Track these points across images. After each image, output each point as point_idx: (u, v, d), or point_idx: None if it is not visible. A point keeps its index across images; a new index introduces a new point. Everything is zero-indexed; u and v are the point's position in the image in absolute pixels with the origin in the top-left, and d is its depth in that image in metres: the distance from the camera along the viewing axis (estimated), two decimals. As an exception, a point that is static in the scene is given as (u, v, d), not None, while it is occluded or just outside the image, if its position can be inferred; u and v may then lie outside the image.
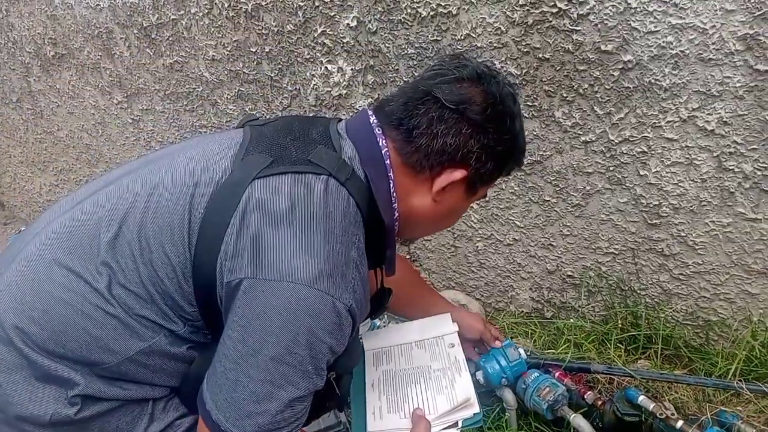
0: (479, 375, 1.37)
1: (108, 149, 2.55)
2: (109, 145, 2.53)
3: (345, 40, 1.63)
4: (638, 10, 1.23)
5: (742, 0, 1.14)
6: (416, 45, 1.53)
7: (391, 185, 0.88)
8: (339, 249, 0.78)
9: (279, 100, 1.89)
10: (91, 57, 2.25)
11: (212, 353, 0.80)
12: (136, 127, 2.37)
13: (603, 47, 1.30)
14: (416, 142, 0.86)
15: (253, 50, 1.82)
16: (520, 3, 1.34)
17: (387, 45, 1.57)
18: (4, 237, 3.18)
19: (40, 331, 0.80)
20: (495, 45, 1.43)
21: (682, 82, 1.27)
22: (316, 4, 1.61)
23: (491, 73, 0.90)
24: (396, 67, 1.60)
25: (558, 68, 1.38)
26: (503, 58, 1.44)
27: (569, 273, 1.70)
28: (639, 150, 1.40)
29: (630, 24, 1.25)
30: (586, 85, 1.37)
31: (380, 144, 0.88)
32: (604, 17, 1.27)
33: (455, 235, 1.84)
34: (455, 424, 1.08)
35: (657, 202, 1.44)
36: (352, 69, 1.68)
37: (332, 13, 1.60)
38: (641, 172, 1.42)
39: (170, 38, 1.97)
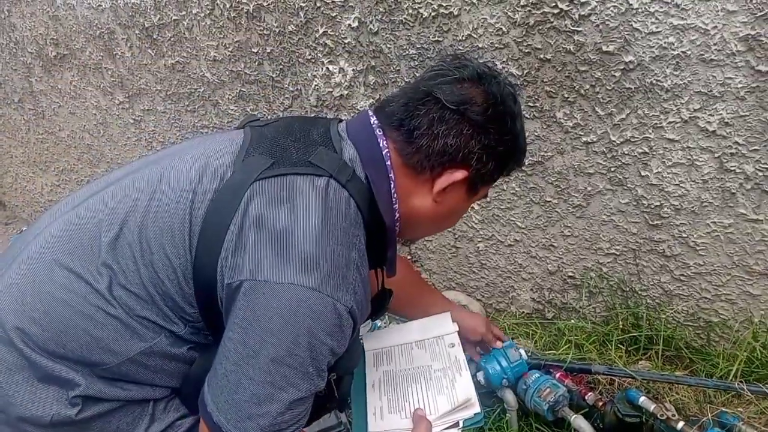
0: (480, 376, 1.37)
1: (109, 149, 2.55)
2: (110, 146, 2.54)
3: (346, 41, 1.63)
4: (640, 10, 1.23)
5: (743, 1, 1.14)
6: (417, 46, 1.53)
7: (392, 186, 0.88)
8: (339, 250, 0.78)
9: (280, 100, 1.89)
10: (93, 57, 2.25)
11: (213, 354, 0.80)
12: (137, 127, 2.37)
13: (604, 48, 1.30)
14: (417, 142, 0.86)
15: (255, 51, 1.82)
16: (522, 3, 1.34)
17: (388, 45, 1.57)
18: (6, 237, 3.18)
19: (41, 332, 0.80)
20: (496, 46, 1.43)
21: (684, 83, 1.27)
22: (318, 4, 1.61)
23: (492, 73, 0.90)
24: (397, 68, 1.60)
25: (559, 69, 1.38)
26: (504, 59, 1.44)
27: (570, 274, 1.70)
28: (640, 151, 1.39)
29: (631, 25, 1.25)
30: (588, 86, 1.37)
31: (381, 145, 0.88)
32: (606, 18, 1.27)
33: (456, 236, 1.84)
34: (456, 424, 1.08)
35: (658, 203, 1.44)
36: (353, 69, 1.68)
37: (334, 14, 1.60)
38: (642, 173, 1.42)
39: (172, 39, 1.97)
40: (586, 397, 1.37)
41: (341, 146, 0.88)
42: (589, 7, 1.27)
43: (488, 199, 1.67)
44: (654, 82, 1.29)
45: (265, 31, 1.75)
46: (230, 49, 1.86)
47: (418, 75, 1.45)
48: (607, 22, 1.27)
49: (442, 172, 0.88)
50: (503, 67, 1.44)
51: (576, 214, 1.58)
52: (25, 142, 2.89)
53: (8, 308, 0.82)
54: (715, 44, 1.20)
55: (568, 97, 1.41)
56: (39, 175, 2.99)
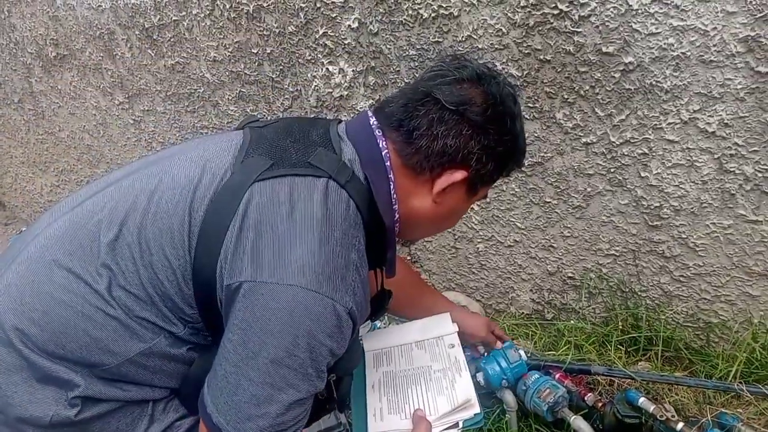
0: (480, 376, 1.37)
1: (109, 150, 2.55)
2: (110, 146, 2.54)
3: (346, 42, 1.63)
4: (639, 11, 1.23)
5: (743, 2, 1.14)
6: (417, 46, 1.53)
7: (392, 187, 0.88)
8: (339, 252, 0.77)
9: (280, 101, 1.89)
10: (93, 58, 2.25)
11: (212, 355, 0.80)
12: (137, 127, 2.37)
13: (604, 49, 1.30)
14: (416, 143, 0.86)
15: (255, 51, 1.82)
16: (522, 5, 1.34)
17: (388, 46, 1.57)
18: (5, 237, 3.18)
19: (40, 333, 0.80)
20: (496, 46, 1.43)
21: (683, 84, 1.27)
22: (318, 5, 1.61)
23: (491, 73, 0.90)
24: (397, 69, 1.60)
25: (559, 70, 1.38)
26: (504, 60, 1.44)
27: (570, 274, 1.70)
28: (640, 152, 1.39)
29: (631, 26, 1.25)
30: (587, 87, 1.37)
31: (380, 146, 0.88)
32: (605, 19, 1.27)
33: (456, 237, 1.84)
34: (456, 425, 1.08)
35: (658, 204, 1.44)
36: (353, 70, 1.68)
37: (333, 15, 1.60)
38: (642, 174, 1.42)
39: (172, 39, 1.97)
40: (585, 398, 1.37)
41: (341, 147, 0.88)
42: (589, 8, 1.27)
43: (488, 199, 1.67)
44: (654, 83, 1.29)
45: (265, 32, 1.75)
46: (230, 50, 1.86)
47: (417, 76, 1.45)
48: (606, 23, 1.27)
49: (441, 172, 0.87)
50: (503, 68, 1.44)
51: (576, 215, 1.58)
52: (25, 143, 2.89)
53: (7, 308, 0.82)
54: (714, 45, 1.20)
55: (567, 98, 1.41)
56: (39, 175, 2.99)
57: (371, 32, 1.57)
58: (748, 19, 1.15)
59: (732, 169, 1.31)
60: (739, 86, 1.22)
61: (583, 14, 1.28)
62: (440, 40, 1.49)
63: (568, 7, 1.29)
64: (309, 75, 1.77)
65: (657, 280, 1.56)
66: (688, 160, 1.35)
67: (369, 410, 1.14)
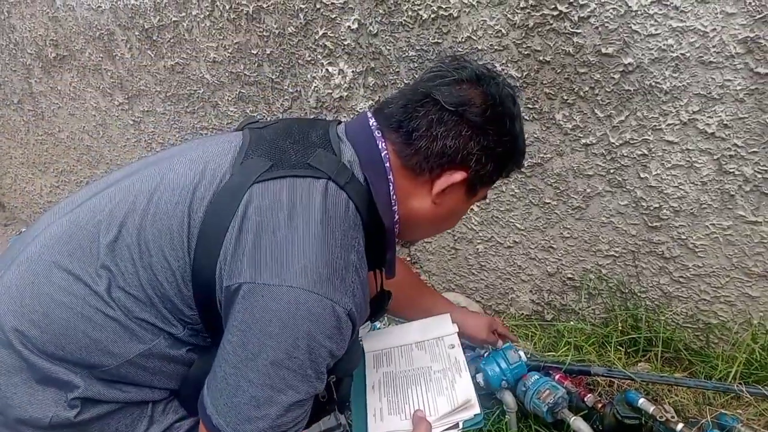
0: (479, 377, 1.37)
1: (109, 151, 2.55)
2: (110, 147, 2.54)
3: (346, 43, 1.63)
4: (639, 13, 1.23)
5: (742, 3, 1.14)
6: (417, 47, 1.53)
7: (391, 188, 0.88)
8: (338, 253, 0.77)
9: (280, 102, 1.89)
10: (93, 59, 2.25)
11: (212, 356, 0.80)
12: (137, 128, 2.37)
13: (603, 50, 1.30)
14: (416, 144, 0.86)
15: (254, 52, 1.82)
16: (521, 6, 1.34)
17: (388, 47, 1.58)
18: (5, 238, 3.18)
19: (40, 334, 0.80)
20: (496, 48, 1.43)
21: (683, 85, 1.27)
22: (317, 6, 1.61)
23: (491, 74, 0.90)
24: (397, 70, 1.60)
25: (558, 71, 1.38)
26: (504, 61, 1.44)
27: (569, 275, 1.70)
28: (639, 153, 1.40)
29: (630, 27, 1.25)
30: (587, 88, 1.37)
31: (380, 147, 0.88)
32: (605, 20, 1.27)
33: (455, 238, 1.84)
34: (456, 426, 1.08)
35: (657, 205, 1.44)
36: (353, 71, 1.68)
37: (333, 16, 1.60)
38: (642, 175, 1.42)
39: (171, 40, 1.97)
40: (585, 399, 1.37)
41: (340, 148, 0.88)
42: (589, 9, 1.27)
43: (487, 200, 1.67)
44: (653, 84, 1.30)
45: (264, 33, 1.76)
46: (230, 51, 1.86)
47: (417, 77, 1.45)
48: (606, 25, 1.27)
49: (441, 173, 0.87)
50: (503, 69, 1.45)
51: (575, 216, 1.58)
52: (25, 143, 2.89)
53: (7, 310, 0.81)
54: (714, 46, 1.20)
55: (567, 99, 1.41)
56: (38, 176, 2.99)
57: (371, 33, 1.58)
58: (748, 20, 1.15)
59: (731, 170, 1.31)
60: (738, 87, 1.22)
61: (582, 15, 1.29)
62: (440, 41, 1.49)
63: (567, 8, 1.29)
64: (309, 76, 1.77)
65: (656, 281, 1.56)
66: (688, 161, 1.35)
67: (369, 411, 1.14)
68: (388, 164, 0.87)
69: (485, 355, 1.43)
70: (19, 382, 0.81)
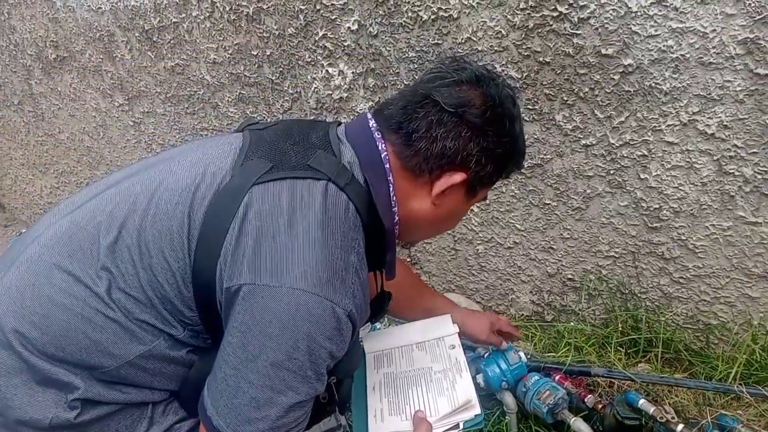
0: (479, 378, 1.37)
1: (109, 152, 2.56)
2: (110, 148, 2.54)
3: (346, 44, 1.63)
4: (639, 14, 1.23)
5: (742, 4, 1.14)
6: (417, 48, 1.54)
7: (391, 189, 0.88)
8: (338, 254, 0.77)
9: (280, 103, 1.89)
10: (93, 60, 2.25)
11: (212, 357, 0.80)
12: (137, 129, 2.37)
13: (603, 51, 1.30)
14: (415, 145, 0.86)
15: (255, 53, 1.82)
16: (521, 7, 1.34)
17: (388, 48, 1.58)
18: (5, 239, 3.18)
19: (40, 335, 0.80)
20: (496, 49, 1.43)
21: (683, 86, 1.27)
22: (318, 7, 1.61)
23: (490, 75, 0.90)
24: (397, 71, 1.60)
25: (558, 72, 1.38)
26: (504, 62, 1.44)
27: (570, 276, 1.70)
28: (639, 153, 1.40)
29: (630, 28, 1.25)
30: (587, 89, 1.37)
31: (380, 148, 0.88)
32: (605, 21, 1.27)
33: (456, 238, 1.84)
34: (456, 426, 1.08)
35: (657, 206, 1.44)
36: (353, 72, 1.68)
37: (333, 17, 1.60)
38: (642, 176, 1.42)
39: (171, 41, 1.97)
40: (585, 400, 1.37)
41: (340, 149, 0.88)
42: (588, 11, 1.27)
43: (487, 201, 1.67)
44: (653, 85, 1.30)
45: (264, 34, 1.76)
46: (230, 52, 1.87)
47: (417, 78, 1.45)
48: (606, 26, 1.27)
49: (440, 174, 0.87)
50: (502, 70, 1.45)
51: (575, 217, 1.58)
52: (25, 144, 2.89)
53: (7, 311, 0.81)
54: (713, 47, 1.20)
55: (567, 100, 1.41)
56: (38, 177, 2.99)
57: (371, 34, 1.58)
58: (747, 21, 1.15)
59: (731, 171, 1.31)
60: (738, 88, 1.22)
61: (582, 16, 1.29)
62: (440, 42, 1.49)
63: (567, 9, 1.29)
64: (309, 77, 1.77)
65: (657, 282, 1.56)
66: (688, 161, 1.35)
67: (370, 411, 1.14)
68: (387, 165, 0.87)
69: (485, 355, 1.43)
70: (19, 384, 0.81)
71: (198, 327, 0.85)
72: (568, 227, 1.61)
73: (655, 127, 1.35)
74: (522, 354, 1.40)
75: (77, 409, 0.81)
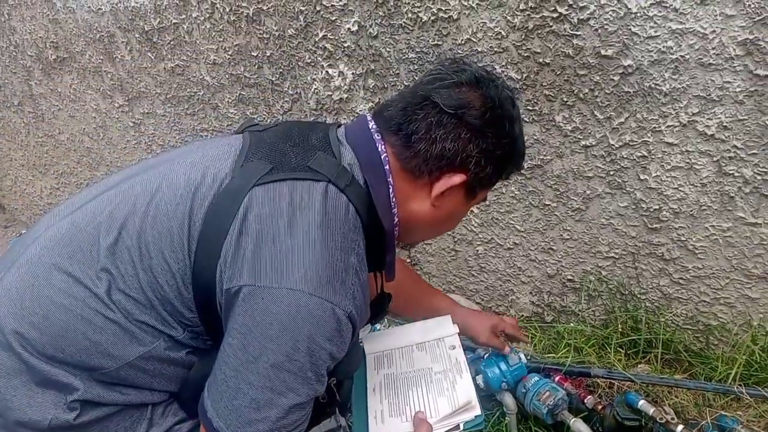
0: (479, 379, 1.37)
1: (109, 152, 2.56)
2: (110, 149, 2.54)
3: (346, 45, 1.63)
4: (638, 15, 1.23)
5: (742, 5, 1.14)
6: (417, 49, 1.54)
7: (391, 191, 0.88)
8: (338, 255, 0.77)
9: (280, 104, 1.89)
10: (93, 61, 2.25)
11: (212, 358, 0.80)
12: (137, 130, 2.37)
13: (603, 52, 1.31)
14: (415, 147, 0.86)
15: (255, 54, 1.82)
16: (521, 8, 1.34)
17: (388, 49, 1.58)
18: (5, 240, 3.18)
19: (40, 336, 0.80)
20: (495, 50, 1.43)
21: (682, 87, 1.27)
22: (318, 8, 1.61)
23: (490, 77, 0.90)
24: (397, 72, 1.60)
25: (558, 73, 1.38)
26: (504, 63, 1.44)
27: (569, 277, 1.70)
28: (639, 154, 1.40)
29: (630, 29, 1.26)
30: (587, 90, 1.37)
31: (379, 150, 0.88)
32: (605, 22, 1.27)
33: (455, 239, 1.84)
34: (457, 427, 1.08)
35: (657, 207, 1.44)
36: (353, 73, 1.68)
37: (333, 18, 1.60)
38: (641, 177, 1.42)
39: (171, 42, 1.97)
40: (585, 401, 1.37)
41: (340, 151, 0.88)
42: (588, 12, 1.27)
43: (487, 202, 1.67)
44: (653, 86, 1.30)
45: (264, 35, 1.76)
46: (230, 53, 1.87)
47: (416, 79, 1.45)
48: (605, 27, 1.28)
49: (440, 176, 0.88)
50: (502, 71, 1.45)
51: (575, 218, 1.58)
52: (25, 145, 2.89)
53: (7, 312, 0.82)
54: (713, 48, 1.20)
55: (567, 101, 1.41)
56: (38, 178, 2.99)
57: (371, 35, 1.58)
58: (747, 22, 1.15)
59: (731, 172, 1.31)
60: (737, 89, 1.22)
61: (582, 17, 1.29)
62: (440, 43, 1.49)
63: (567, 10, 1.29)
64: (309, 78, 1.77)
65: (656, 283, 1.56)
66: (687, 162, 1.35)
67: (370, 413, 1.14)
68: (387, 167, 0.87)
69: (485, 356, 1.43)
70: (19, 385, 0.81)
71: (198, 328, 0.85)
72: (568, 228, 1.61)
73: (654, 128, 1.35)
74: (522, 355, 1.40)
75: (76, 410, 0.81)
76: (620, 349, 1.59)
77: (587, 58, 1.33)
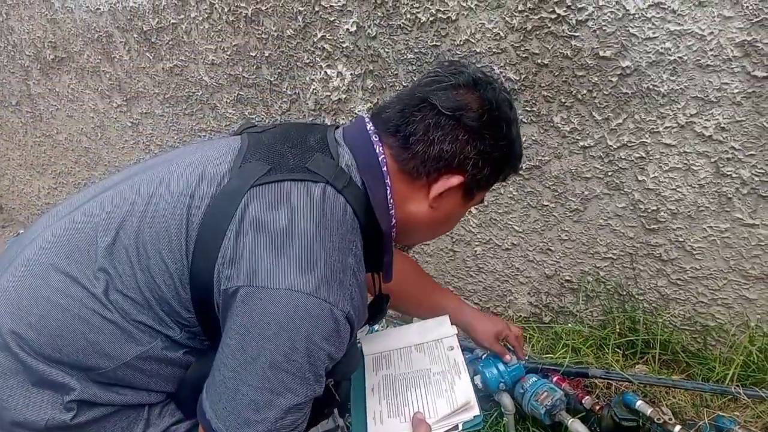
0: (477, 380, 1.37)
1: (107, 152, 2.55)
2: (108, 149, 2.54)
3: (344, 45, 1.63)
4: (637, 16, 1.23)
5: (740, 7, 1.14)
6: (415, 50, 1.54)
7: (388, 192, 0.88)
8: (336, 256, 0.78)
9: (278, 104, 1.89)
10: (91, 60, 2.25)
11: (209, 359, 0.80)
12: (135, 130, 2.37)
13: (601, 53, 1.31)
14: (413, 148, 0.86)
15: (253, 55, 1.82)
16: (519, 9, 1.34)
17: (386, 50, 1.58)
18: (2, 240, 3.18)
19: (37, 336, 0.80)
20: (494, 50, 1.43)
21: (680, 88, 1.27)
22: (316, 9, 1.61)
23: (487, 79, 0.90)
24: (395, 72, 1.60)
25: (556, 74, 1.39)
26: (502, 64, 1.44)
27: (567, 278, 1.70)
28: (637, 155, 1.40)
29: (628, 30, 1.26)
30: (585, 91, 1.38)
31: (377, 151, 0.88)
32: (603, 23, 1.27)
33: (454, 240, 1.84)
34: (455, 427, 1.08)
35: (655, 208, 1.44)
36: (351, 74, 1.68)
37: (332, 18, 1.60)
38: (639, 178, 1.42)
39: (170, 42, 1.97)
40: (583, 401, 1.38)
41: (338, 152, 0.88)
42: (587, 13, 1.28)
43: (485, 203, 1.67)
44: (651, 87, 1.30)
45: (263, 35, 1.76)
46: (228, 53, 1.87)
47: (414, 81, 1.45)
48: (604, 28, 1.28)
49: (438, 177, 0.88)
50: (501, 72, 1.45)
51: (573, 218, 1.58)
52: (23, 145, 2.89)
53: (4, 312, 0.81)
54: (711, 50, 1.20)
55: (565, 102, 1.42)
56: (36, 178, 2.99)
57: (369, 36, 1.58)
58: (745, 23, 1.15)
59: (729, 173, 1.32)
60: (735, 90, 1.22)
61: (580, 18, 1.29)
62: (438, 43, 1.49)
63: (565, 11, 1.29)
64: (307, 78, 1.77)
65: (654, 284, 1.56)
66: (685, 163, 1.35)
67: (368, 414, 1.14)
68: (385, 168, 0.87)
69: (483, 357, 1.43)
70: (15, 385, 0.81)
71: (195, 328, 0.85)
72: (566, 229, 1.61)
73: (652, 129, 1.35)
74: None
75: (73, 410, 0.81)
76: (618, 350, 1.59)
77: (585, 60, 1.33)
